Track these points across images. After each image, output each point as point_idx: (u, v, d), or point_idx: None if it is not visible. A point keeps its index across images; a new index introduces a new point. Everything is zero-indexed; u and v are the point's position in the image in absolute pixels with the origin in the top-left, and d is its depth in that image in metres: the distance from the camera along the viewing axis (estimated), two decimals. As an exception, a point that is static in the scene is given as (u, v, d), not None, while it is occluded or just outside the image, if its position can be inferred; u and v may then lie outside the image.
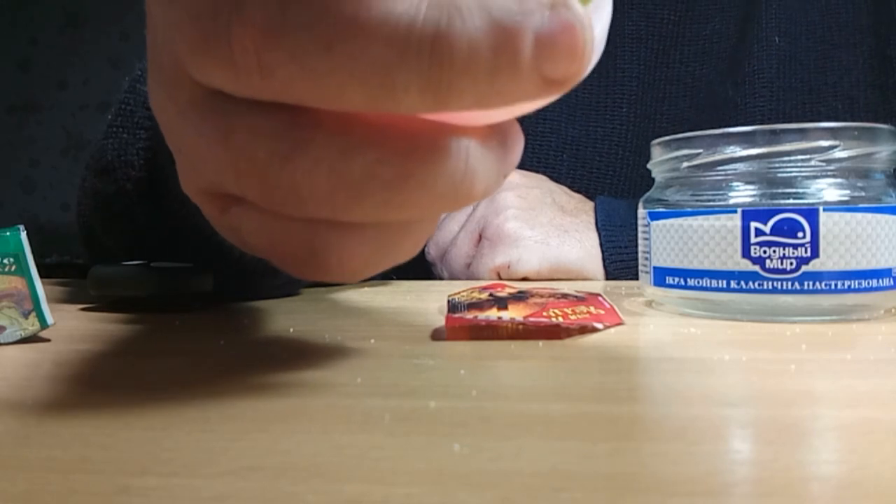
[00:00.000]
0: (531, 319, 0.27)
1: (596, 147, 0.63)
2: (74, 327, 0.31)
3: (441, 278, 0.56)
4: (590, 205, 0.56)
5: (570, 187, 0.58)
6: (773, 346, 0.25)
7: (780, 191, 0.30)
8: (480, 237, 0.54)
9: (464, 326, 0.28)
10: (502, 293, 0.33)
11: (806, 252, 0.29)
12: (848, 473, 0.14)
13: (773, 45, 0.61)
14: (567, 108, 0.64)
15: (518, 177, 0.56)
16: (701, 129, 0.32)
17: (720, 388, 0.20)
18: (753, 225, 0.30)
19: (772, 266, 0.30)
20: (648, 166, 0.36)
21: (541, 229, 0.52)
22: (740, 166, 0.31)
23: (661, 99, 0.63)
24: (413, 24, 0.14)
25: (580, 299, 0.32)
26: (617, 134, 0.63)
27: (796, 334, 0.27)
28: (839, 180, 0.30)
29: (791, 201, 0.30)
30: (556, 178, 0.58)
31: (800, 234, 0.29)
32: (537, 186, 0.55)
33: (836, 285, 0.29)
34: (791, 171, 0.30)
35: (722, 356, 0.24)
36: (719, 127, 0.32)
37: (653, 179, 0.36)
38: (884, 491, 0.13)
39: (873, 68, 0.59)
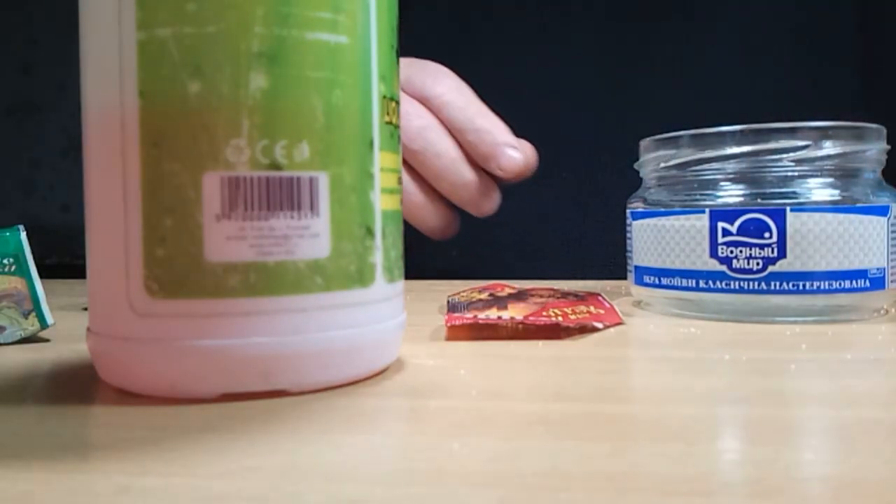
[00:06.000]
0: (531, 319, 0.27)
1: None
2: (74, 327, 0.31)
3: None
4: None
5: None
6: (773, 346, 0.25)
7: (759, 191, 0.30)
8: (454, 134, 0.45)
9: (464, 326, 0.28)
10: (502, 293, 0.33)
11: (772, 252, 0.29)
12: (848, 473, 0.14)
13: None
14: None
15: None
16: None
17: (720, 388, 0.20)
18: (721, 225, 0.30)
19: (738, 266, 0.30)
20: (635, 166, 0.36)
21: None
22: (725, 165, 0.31)
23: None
24: None
25: (580, 299, 0.32)
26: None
27: (796, 334, 0.27)
28: (819, 179, 0.30)
29: (771, 201, 0.30)
30: None
31: (766, 235, 0.29)
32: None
33: (802, 286, 0.29)
34: (774, 171, 0.30)
35: (722, 356, 0.24)
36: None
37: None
38: (884, 491, 0.13)
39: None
